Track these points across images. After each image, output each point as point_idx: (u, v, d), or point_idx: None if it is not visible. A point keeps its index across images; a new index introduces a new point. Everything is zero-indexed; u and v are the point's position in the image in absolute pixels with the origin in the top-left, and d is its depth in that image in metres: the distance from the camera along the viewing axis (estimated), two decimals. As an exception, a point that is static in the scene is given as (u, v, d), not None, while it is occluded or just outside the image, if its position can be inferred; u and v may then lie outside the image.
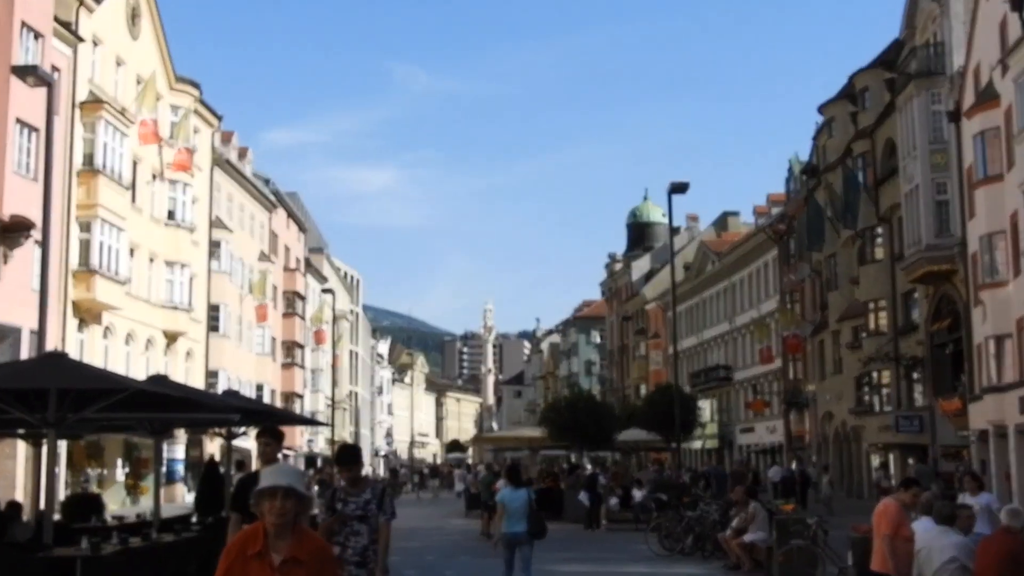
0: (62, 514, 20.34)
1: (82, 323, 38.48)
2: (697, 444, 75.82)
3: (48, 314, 35.31)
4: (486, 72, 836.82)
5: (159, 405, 15.51)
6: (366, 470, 73.59)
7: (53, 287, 35.88)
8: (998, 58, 35.41)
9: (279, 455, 10.16)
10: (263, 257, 62.47)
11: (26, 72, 19.84)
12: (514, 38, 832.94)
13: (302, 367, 72.20)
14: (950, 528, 9.90)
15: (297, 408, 68.79)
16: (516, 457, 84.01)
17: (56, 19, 34.94)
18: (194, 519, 19.88)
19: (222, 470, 22.98)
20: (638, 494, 35.36)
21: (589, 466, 50.79)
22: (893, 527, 10.32)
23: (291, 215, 72.82)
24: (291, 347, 69.77)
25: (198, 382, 47.60)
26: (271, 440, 9.65)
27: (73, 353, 36.13)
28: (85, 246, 37.68)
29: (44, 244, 19.43)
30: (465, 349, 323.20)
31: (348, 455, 9.17)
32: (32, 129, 31.85)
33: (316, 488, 33.46)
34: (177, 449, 47.15)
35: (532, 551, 16.19)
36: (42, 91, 30.84)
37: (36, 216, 30.33)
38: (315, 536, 5.60)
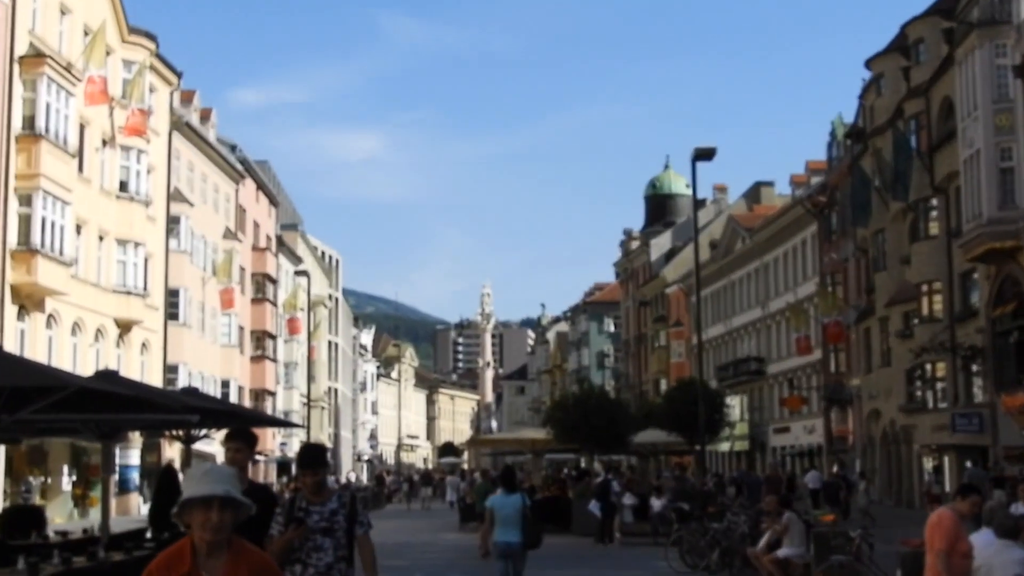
0: (-1, 529, 20.31)
1: (22, 310, 38.41)
2: (724, 446, 75.90)
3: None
4: (487, 22, 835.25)
5: (108, 405, 15.47)
6: (348, 476, 73.37)
7: (-12, 269, 35.90)
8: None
9: (250, 463, 9.80)
10: (229, 235, 62.43)
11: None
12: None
13: (274, 360, 72.26)
14: (1014, 542, 9.84)
15: (268, 407, 68.86)
16: (518, 461, 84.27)
17: (-11, -38, 34.79)
18: (148, 535, 19.80)
19: (181, 478, 22.95)
20: (657, 503, 35.37)
21: (601, 472, 50.78)
22: (948, 541, 10.26)
23: (261, 187, 72.75)
24: (261, 338, 69.81)
25: (155, 378, 47.63)
26: (242, 445, 9.18)
27: (11, 345, 36.10)
28: (25, 222, 37.56)
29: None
30: (460, 339, 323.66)
31: (312, 456, 8.83)
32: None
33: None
34: (131, 454, 47.17)
35: (525, 564, 16.38)
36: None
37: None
38: (255, 552, 5.36)
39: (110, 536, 17.98)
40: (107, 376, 18.07)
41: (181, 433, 21.31)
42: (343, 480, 68.71)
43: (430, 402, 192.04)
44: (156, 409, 16.49)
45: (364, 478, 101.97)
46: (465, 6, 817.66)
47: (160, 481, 24.71)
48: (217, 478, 5.16)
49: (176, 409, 17.01)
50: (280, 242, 77.51)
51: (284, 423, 42.60)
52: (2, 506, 32.57)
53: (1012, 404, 41.38)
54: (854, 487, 46.72)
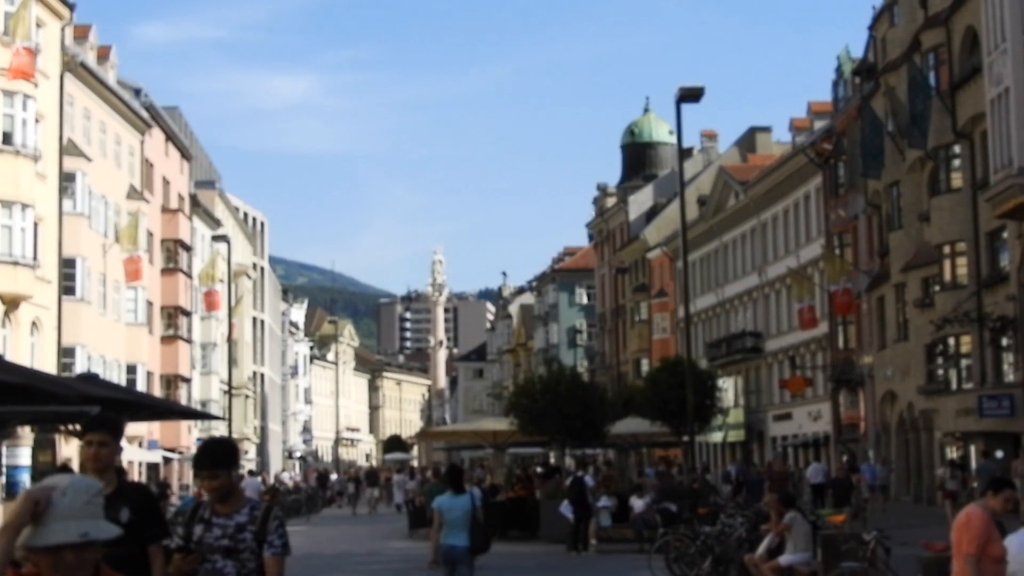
0: None
1: None
2: (717, 437, 76.16)
3: None
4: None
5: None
6: (278, 477, 73.03)
7: None
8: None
9: (116, 460, 8.69)
10: (134, 194, 62.02)
11: None
12: None
13: (188, 341, 72.00)
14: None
15: (183, 396, 68.63)
16: (476, 456, 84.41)
17: None
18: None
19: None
20: (638, 504, 35.45)
21: (573, 468, 50.85)
22: (979, 544, 10.25)
23: (171, 137, 72.27)
24: (173, 315, 69.51)
25: (48, 363, 47.34)
26: (107, 437, 8.20)
27: None
28: None
29: None
30: (408, 315, 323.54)
31: (208, 455, 8.12)
32: None
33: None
34: (20, 453, 46.64)
35: (472, 570, 17.46)
36: None
37: None
38: None
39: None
40: (-8, 363, 17.86)
41: (79, 427, 21.13)
42: (271, 481, 68.38)
43: (373, 388, 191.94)
44: (48, 399, 16.36)
45: (297, 478, 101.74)
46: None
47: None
48: (71, 509, 4.63)
49: (71, 399, 16.88)
50: (195, 202, 77.06)
51: (201, 415, 42.51)
52: None
53: (1049, 383, 41.68)
54: (858, 483, 47.01)
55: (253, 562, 7.91)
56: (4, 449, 43.19)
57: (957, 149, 49.09)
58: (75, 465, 36.48)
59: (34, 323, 48.58)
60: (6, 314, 46.13)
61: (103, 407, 18.28)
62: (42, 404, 16.30)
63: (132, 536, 7.34)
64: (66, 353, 51.10)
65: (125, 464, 62.19)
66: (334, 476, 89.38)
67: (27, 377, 16.89)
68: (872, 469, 51.49)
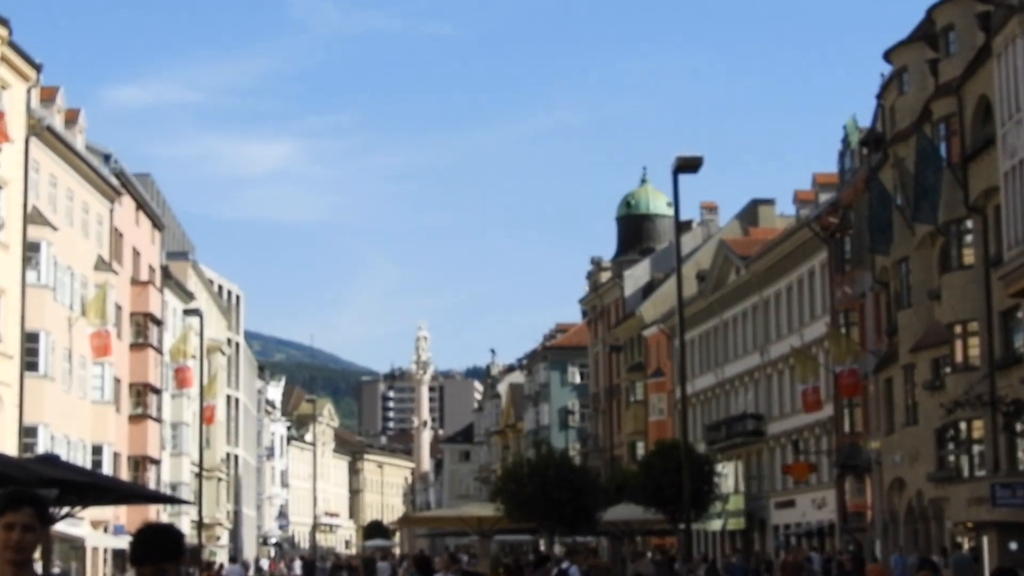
0: None
1: None
2: (716, 525, 75.81)
3: None
4: (420, 4, 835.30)
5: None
6: (263, 563, 71.07)
7: None
8: None
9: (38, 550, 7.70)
10: (102, 265, 61.93)
11: None
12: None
13: (158, 420, 71.70)
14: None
15: (152, 479, 68.28)
16: (462, 543, 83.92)
17: None
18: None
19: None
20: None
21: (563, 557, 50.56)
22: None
23: (142, 206, 72.31)
24: (143, 392, 69.30)
25: (9, 443, 47.10)
26: (33, 520, 6.36)
27: None
28: None
29: None
30: (391, 393, 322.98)
31: (156, 545, 6.51)
32: None
33: None
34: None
35: None
36: None
37: None
38: None
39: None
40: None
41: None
42: (248, 571, 67.22)
43: (354, 471, 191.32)
44: (5, 481, 16.17)
45: (264, 565, 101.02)
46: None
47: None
48: None
49: (28, 482, 16.70)
50: (166, 274, 76.99)
51: (169, 499, 42.18)
52: None
53: (1065, 471, 41.58)
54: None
55: None
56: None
57: (969, 224, 49.14)
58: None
59: (-6, 401, 48.36)
60: (-35, 391, 45.92)
61: (63, 491, 18.14)
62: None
63: None
64: (28, 433, 50.83)
65: (89, 550, 61.83)
66: (323, 564, 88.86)
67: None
68: (902, 561, 50.82)
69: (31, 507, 6.26)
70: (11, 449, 45.17)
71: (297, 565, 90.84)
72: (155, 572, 6.30)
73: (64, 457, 44.36)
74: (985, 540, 48.78)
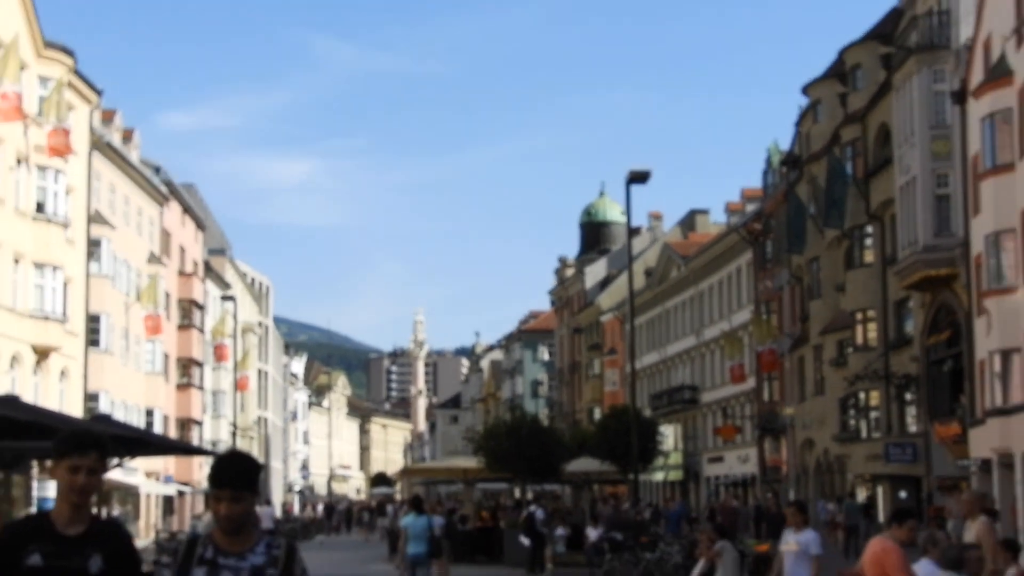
0: None
1: (-68, 336, 37.21)
2: (659, 476, 75.53)
3: None
4: (421, 48, 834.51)
5: (8, 432, 14.67)
6: (270, 507, 70.13)
7: None
8: (1013, 27, 35.08)
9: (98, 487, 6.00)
10: (153, 259, 61.28)
11: None
12: (453, 9, 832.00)
13: (201, 388, 71.02)
14: (957, 573, 9.29)
15: (195, 437, 67.66)
16: (451, 491, 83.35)
17: None
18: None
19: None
20: (593, 533, 34.75)
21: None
22: (908, 571, 9.68)
23: (187, 210, 71.63)
24: (187, 365, 68.63)
25: (75, 407, 46.33)
26: (98, 463, 5.49)
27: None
28: (-66, 243, 36.43)
29: None
30: (393, 368, 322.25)
31: (238, 471, 5.44)
32: None
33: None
34: (50, 486, 45.80)
35: (430, 571, 22.05)
36: None
37: None
38: None
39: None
40: (8, 402, 17.16)
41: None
42: (277, 514, 65.36)
43: (363, 431, 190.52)
44: (55, 435, 15.63)
45: (296, 509, 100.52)
46: (400, 32, 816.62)
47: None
48: None
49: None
50: (207, 267, 76.34)
51: (202, 451, 41.23)
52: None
53: (945, 434, 41.22)
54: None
55: None
56: (36, 483, 42.32)
57: (869, 229, 48.93)
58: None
59: (63, 372, 47.64)
60: (38, 363, 45.23)
61: (111, 443, 17.59)
62: (50, 440, 15.50)
63: None
64: (91, 399, 50.12)
65: (143, 496, 61.14)
66: (339, 507, 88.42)
67: (38, 416, 16.17)
68: (823, 506, 50.28)
69: (96, 450, 5.46)
70: (77, 412, 44.49)
71: (320, 508, 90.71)
72: (232, 498, 5.28)
73: (121, 419, 43.87)
74: (880, 489, 48.55)
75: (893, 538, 10.03)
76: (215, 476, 5.38)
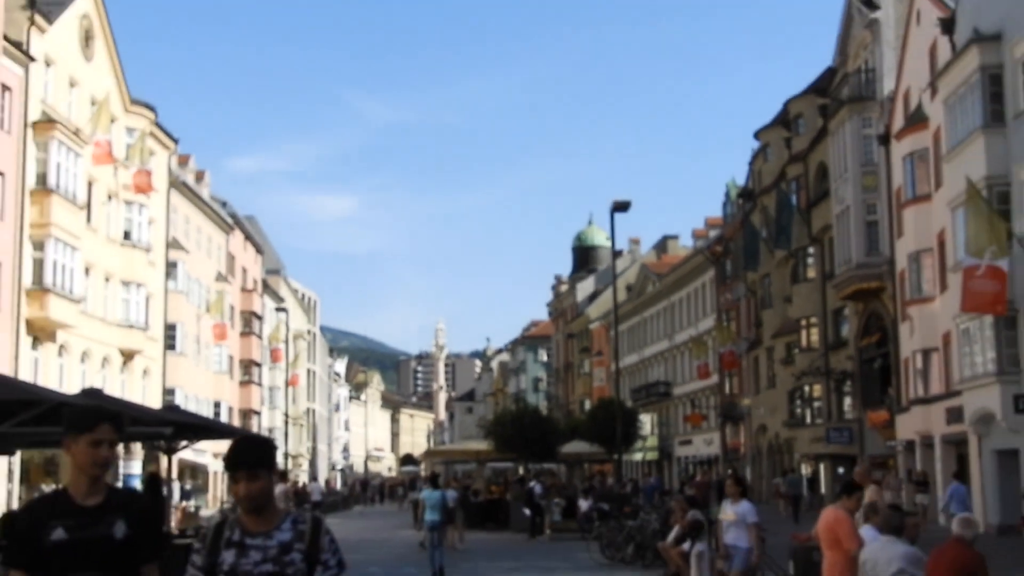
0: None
1: (36, 341, 36.91)
2: (638, 456, 75.08)
3: (0, 332, 33.90)
4: (439, 102, 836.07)
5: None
6: (317, 482, 69.10)
7: (6, 304, 34.42)
8: (928, 81, 35.03)
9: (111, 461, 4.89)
10: (220, 278, 61.00)
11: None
12: (465, 72, 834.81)
13: (259, 385, 70.67)
14: (897, 538, 8.91)
15: (255, 425, 67.31)
16: (466, 469, 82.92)
17: (6, 38, 33.44)
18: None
19: (166, 489, 21.91)
20: (584, 504, 34.36)
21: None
22: (857, 540, 9.32)
23: (248, 237, 71.39)
24: (248, 365, 68.30)
25: (155, 400, 46.05)
26: (114, 435, 4.72)
27: (26, 372, 34.65)
28: (39, 265, 36.15)
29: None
30: (419, 368, 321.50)
31: (251, 451, 4.62)
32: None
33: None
34: (133, 465, 45.44)
35: (443, 536, 22.70)
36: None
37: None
38: None
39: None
40: (91, 393, 16.79)
41: (162, 444, 20.04)
42: (323, 488, 63.72)
43: (393, 420, 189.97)
44: (134, 422, 15.26)
45: (338, 485, 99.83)
46: (421, 89, 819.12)
47: (145, 487, 23.58)
48: None
49: (149, 422, 15.85)
50: (265, 285, 76.06)
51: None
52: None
53: (876, 420, 41.16)
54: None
55: None
56: (121, 462, 42.07)
57: (811, 250, 48.69)
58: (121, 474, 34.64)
59: (145, 371, 47.33)
60: (124, 364, 44.94)
61: (177, 429, 17.24)
62: (129, 426, 15.05)
63: (127, 556, 4.61)
64: (168, 393, 49.79)
65: (211, 474, 60.75)
66: (374, 481, 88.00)
67: (115, 405, 15.71)
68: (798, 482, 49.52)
69: (111, 423, 4.71)
70: (156, 404, 44.16)
71: (357, 484, 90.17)
72: (248, 477, 4.51)
73: (193, 410, 43.49)
74: (822, 466, 48.18)
75: (843, 508, 9.70)
76: (230, 460, 4.57)
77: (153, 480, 23.19)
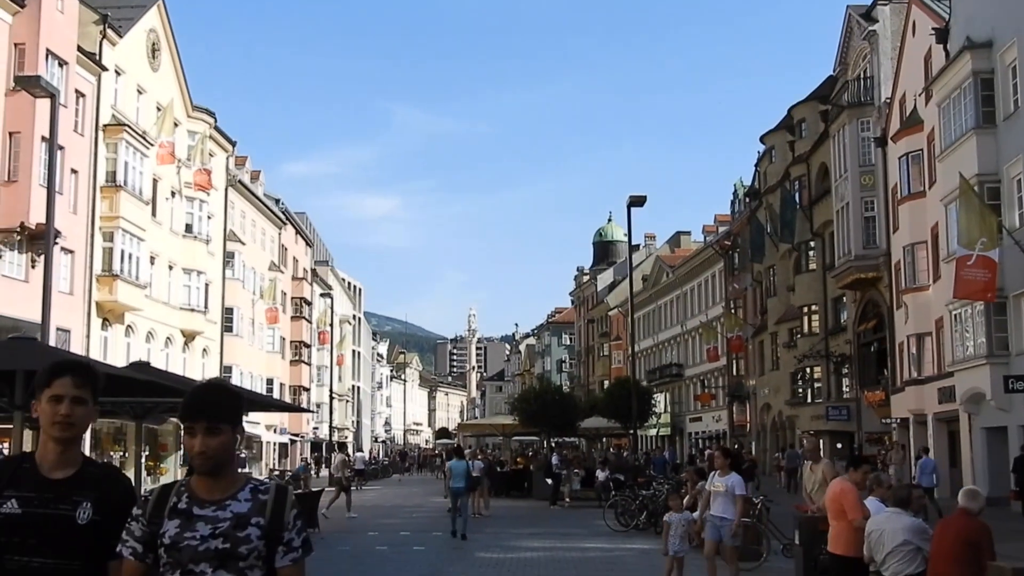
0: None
1: (105, 323, 36.85)
2: (652, 431, 74.53)
3: (74, 314, 33.81)
4: (475, 114, 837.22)
5: (141, 390, 13.85)
6: (361, 452, 65.86)
7: (78, 289, 34.43)
8: (922, 87, 34.37)
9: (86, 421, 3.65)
10: (273, 267, 60.83)
11: (30, 83, 18.21)
12: (498, 85, 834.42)
13: (308, 364, 70.56)
14: (903, 511, 8.37)
15: (305, 400, 67.22)
16: (495, 442, 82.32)
17: (80, 50, 33.33)
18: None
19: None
20: (601, 475, 33.91)
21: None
22: (864, 511, 8.79)
23: (299, 231, 71.21)
24: (298, 346, 68.17)
25: (213, 376, 45.92)
26: (84, 391, 3.50)
27: (96, 350, 34.56)
28: (108, 254, 36.10)
29: (47, 248, 17.91)
30: (454, 350, 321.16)
31: (211, 400, 3.35)
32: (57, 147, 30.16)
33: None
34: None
35: (467, 502, 22.72)
36: (67, 112, 29.32)
37: (62, 225, 28.83)
38: None
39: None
40: (139, 367, 16.40)
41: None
42: (367, 458, 61.08)
43: (430, 398, 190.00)
44: (178, 394, 14.83)
45: (380, 456, 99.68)
46: (458, 102, 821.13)
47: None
48: None
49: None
50: (314, 274, 75.90)
51: (296, 408, 40.22)
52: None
53: (872, 399, 40.72)
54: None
55: (260, 570, 3.28)
56: (182, 433, 41.75)
57: (813, 244, 48.03)
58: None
59: (204, 350, 47.21)
60: (186, 343, 44.81)
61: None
62: (173, 397, 14.60)
63: (91, 545, 3.42)
64: (226, 371, 49.68)
65: (264, 443, 60.52)
66: (412, 452, 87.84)
67: (162, 378, 15.24)
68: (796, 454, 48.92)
69: (77, 375, 3.49)
70: (214, 380, 44.06)
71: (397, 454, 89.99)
72: (208, 430, 3.25)
73: (248, 387, 43.27)
74: (821, 442, 47.43)
75: (850, 480, 9.17)
76: (188, 407, 3.32)
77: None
